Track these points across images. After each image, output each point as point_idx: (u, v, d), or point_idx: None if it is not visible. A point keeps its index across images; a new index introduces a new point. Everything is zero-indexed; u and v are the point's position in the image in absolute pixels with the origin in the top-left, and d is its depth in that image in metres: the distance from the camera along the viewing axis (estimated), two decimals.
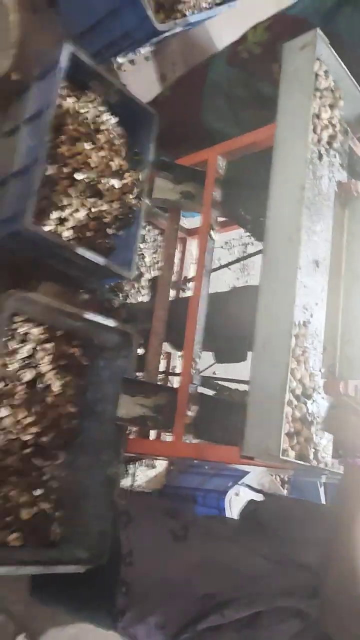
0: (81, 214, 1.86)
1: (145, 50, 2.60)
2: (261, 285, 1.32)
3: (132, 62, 2.57)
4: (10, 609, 1.89)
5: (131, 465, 2.26)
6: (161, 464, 2.35)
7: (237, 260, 2.38)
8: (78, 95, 1.94)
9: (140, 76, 2.61)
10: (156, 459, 2.30)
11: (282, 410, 1.15)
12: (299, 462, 1.18)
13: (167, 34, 2.30)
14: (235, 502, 2.14)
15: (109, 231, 1.97)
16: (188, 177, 1.93)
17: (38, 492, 1.73)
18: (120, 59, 2.46)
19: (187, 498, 2.21)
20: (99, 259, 1.83)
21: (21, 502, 1.68)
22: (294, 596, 1.26)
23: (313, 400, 1.30)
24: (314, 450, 1.27)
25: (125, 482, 2.22)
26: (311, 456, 1.24)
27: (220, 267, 2.31)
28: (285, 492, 2.53)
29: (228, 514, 2.07)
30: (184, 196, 1.92)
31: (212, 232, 1.76)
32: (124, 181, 1.96)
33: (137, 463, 2.27)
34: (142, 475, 2.28)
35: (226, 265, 2.32)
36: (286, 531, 1.46)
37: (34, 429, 1.72)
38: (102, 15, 2.13)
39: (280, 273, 1.27)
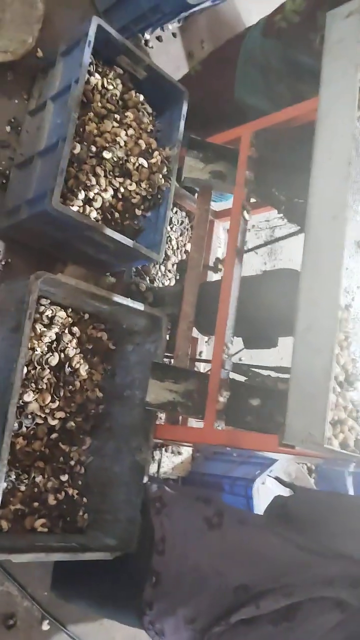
0: (109, 194, 1.81)
1: (172, 26, 2.54)
2: (303, 267, 1.26)
3: (159, 38, 2.50)
4: (34, 596, 1.87)
5: (157, 452, 2.22)
6: (187, 451, 2.31)
7: (267, 244, 2.30)
8: (105, 71, 1.88)
9: (168, 53, 2.53)
10: (182, 445, 2.26)
11: (327, 397, 1.09)
12: (343, 451, 1.13)
13: (196, 8, 2.23)
14: (263, 491, 2.09)
15: (137, 212, 1.92)
16: (219, 156, 1.86)
17: (65, 477, 1.71)
18: (147, 35, 2.39)
19: (214, 485, 2.17)
20: (127, 241, 1.78)
21: (48, 487, 1.66)
22: (333, 585, 1.21)
23: (354, 388, 1.25)
24: (355, 439, 1.21)
25: (151, 469, 2.19)
26: (353, 445, 1.19)
27: (248, 250, 2.25)
28: (312, 480, 2.48)
29: (256, 503, 2.03)
30: (214, 176, 1.86)
31: (244, 213, 1.70)
32: (153, 160, 1.90)
33: (163, 449, 2.23)
34: (168, 461, 2.24)
35: (255, 249, 2.25)
36: (321, 524, 1.41)
37: (60, 414, 1.69)
38: None
39: (324, 254, 1.21)
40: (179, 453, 2.29)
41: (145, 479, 1.60)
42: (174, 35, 2.59)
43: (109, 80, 1.87)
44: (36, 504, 1.62)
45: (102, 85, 1.85)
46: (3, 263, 1.86)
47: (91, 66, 1.81)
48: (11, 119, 1.92)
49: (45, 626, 1.89)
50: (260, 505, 2.02)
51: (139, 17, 2.18)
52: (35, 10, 1.90)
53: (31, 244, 1.93)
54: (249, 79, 1.95)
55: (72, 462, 1.75)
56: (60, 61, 1.87)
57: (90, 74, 1.81)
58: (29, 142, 1.87)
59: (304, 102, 1.65)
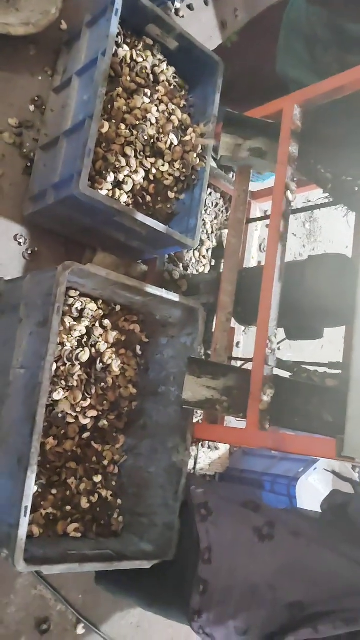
0: (140, 176, 1.69)
1: None
2: None
3: (190, 7, 2.33)
4: (68, 598, 1.80)
5: (193, 447, 2.12)
6: (224, 445, 2.20)
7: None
8: (134, 42, 1.74)
9: (199, 23, 2.37)
10: None
11: None
12: None
13: None
14: (306, 489, 1.97)
15: (170, 195, 1.79)
16: (258, 132, 1.71)
17: (98, 478, 1.62)
18: (177, 3, 2.23)
19: (254, 483, 2.06)
20: (160, 226, 1.65)
21: (80, 489, 1.57)
22: None
23: None
24: None
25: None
26: None
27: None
28: (356, 475, 2.35)
29: (299, 503, 1.91)
30: (253, 154, 1.71)
31: (288, 193, 1.55)
32: (187, 138, 1.77)
33: (199, 444, 2.13)
34: (205, 457, 2.14)
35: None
36: None
37: (92, 412, 1.60)
38: None
39: None
40: (216, 448, 2.19)
41: (183, 482, 1.50)
42: (205, 3, 2.42)
43: (138, 52, 1.74)
44: (68, 507, 1.54)
45: (131, 58, 1.71)
46: (29, 252, 1.76)
47: (119, 37, 1.68)
48: (35, 97, 1.80)
49: (80, 630, 1.82)
50: (304, 505, 1.90)
51: None
52: None
53: (58, 231, 1.82)
54: (293, 51, 1.78)
55: (106, 462, 1.66)
56: (85, 33, 1.74)
57: (118, 45, 1.68)
58: (54, 121, 1.75)
59: (353, 69, 1.49)
